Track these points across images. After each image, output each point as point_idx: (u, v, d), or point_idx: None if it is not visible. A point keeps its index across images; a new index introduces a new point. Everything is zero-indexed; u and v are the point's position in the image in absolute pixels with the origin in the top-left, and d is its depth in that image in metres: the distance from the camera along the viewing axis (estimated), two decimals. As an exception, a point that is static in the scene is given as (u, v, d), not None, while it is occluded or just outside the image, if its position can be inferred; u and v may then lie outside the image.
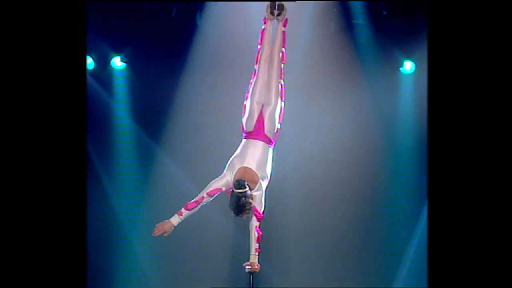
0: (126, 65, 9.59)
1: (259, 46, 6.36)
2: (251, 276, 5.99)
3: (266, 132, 6.15)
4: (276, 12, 6.38)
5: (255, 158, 6.04)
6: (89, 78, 9.24)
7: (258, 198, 5.98)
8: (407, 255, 9.38)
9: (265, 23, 6.40)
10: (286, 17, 6.42)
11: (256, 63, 6.32)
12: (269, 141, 6.14)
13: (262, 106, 6.21)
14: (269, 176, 6.09)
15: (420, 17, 8.62)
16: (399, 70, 9.63)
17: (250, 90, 6.25)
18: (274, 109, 6.20)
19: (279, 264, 9.25)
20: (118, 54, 9.53)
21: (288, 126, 8.71)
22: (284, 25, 6.42)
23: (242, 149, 6.12)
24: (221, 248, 9.27)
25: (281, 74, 6.31)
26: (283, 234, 9.27)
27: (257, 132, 6.14)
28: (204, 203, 6.02)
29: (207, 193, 5.98)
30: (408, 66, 9.59)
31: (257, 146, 6.10)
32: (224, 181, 6.02)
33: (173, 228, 6.02)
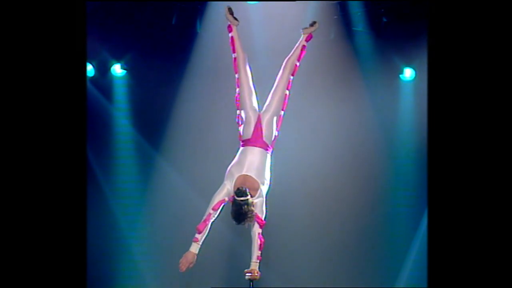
0: (126, 72, 9.60)
1: (233, 55, 6.30)
2: (251, 283, 5.98)
3: (264, 139, 6.12)
4: (309, 24, 6.43)
5: (254, 165, 6.01)
6: (89, 85, 9.25)
7: (259, 205, 5.95)
8: (408, 259, 9.38)
9: (231, 30, 6.37)
10: (311, 32, 6.42)
11: (236, 72, 6.27)
12: (266, 147, 6.12)
13: (260, 113, 6.19)
14: (268, 182, 6.07)
15: (420, 24, 8.63)
16: (399, 77, 9.64)
17: (240, 99, 6.22)
18: (273, 116, 6.18)
19: (279, 269, 9.25)
20: (118, 61, 9.54)
21: (288, 132, 8.73)
22: (307, 40, 6.41)
23: (240, 157, 6.08)
24: (220, 252, 9.26)
25: (288, 85, 6.29)
26: (283, 239, 9.27)
27: (255, 139, 6.11)
28: (213, 219, 5.96)
29: (212, 209, 5.92)
30: (408, 73, 9.60)
31: (255, 153, 6.06)
32: (225, 191, 5.97)
33: (196, 256, 5.91)
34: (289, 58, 6.34)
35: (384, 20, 9.27)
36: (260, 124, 6.13)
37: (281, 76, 6.29)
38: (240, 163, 6.03)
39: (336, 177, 9.45)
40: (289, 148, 9.01)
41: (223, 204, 5.94)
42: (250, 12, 9.13)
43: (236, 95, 6.25)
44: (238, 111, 6.23)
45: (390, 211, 9.50)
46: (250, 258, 5.95)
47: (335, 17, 9.29)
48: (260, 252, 5.93)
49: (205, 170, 9.26)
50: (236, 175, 5.97)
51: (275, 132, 6.19)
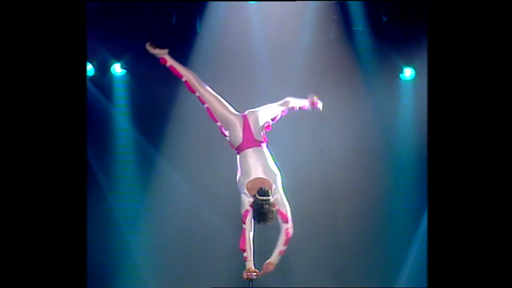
0: (126, 72, 9.59)
1: (183, 79, 6.24)
2: (250, 283, 5.99)
3: (255, 137, 6.08)
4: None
5: (258, 166, 5.98)
6: (89, 85, 9.24)
7: (279, 200, 5.98)
8: (408, 259, 9.38)
9: (165, 62, 6.35)
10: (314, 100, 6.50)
11: (194, 92, 6.19)
12: (260, 143, 6.09)
13: (244, 114, 6.16)
14: (278, 172, 6.04)
15: (420, 23, 8.62)
16: (399, 77, 9.64)
17: (213, 112, 6.15)
18: (258, 115, 6.15)
19: (279, 269, 9.22)
20: (118, 60, 9.53)
21: (287, 133, 8.73)
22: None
23: (242, 165, 6.04)
24: (220, 252, 9.25)
25: (283, 112, 6.29)
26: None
27: (247, 141, 6.06)
28: (250, 232, 5.95)
29: (243, 223, 5.94)
30: (408, 72, 9.60)
31: (253, 154, 6.02)
32: (246, 202, 5.94)
33: (253, 267, 5.98)
34: (291, 102, 6.35)
35: (384, 20, 9.26)
36: (248, 123, 6.10)
37: (280, 105, 6.28)
38: (245, 170, 6.00)
39: (336, 177, 9.45)
40: (288, 148, 9.00)
41: (250, 213, 5.92)
42: (250, 12, 9.13)
43: (206, 110, 6.19)
44: (218, 123, 6.20)
45: (390, 211, 9.50)
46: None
47: (335, 17, 9.28)
48: (284, 247, 6.01)
49: (205, 170, 9.26)
50: (246, 182, 5.95)
51: (263, 130, 6.15)
